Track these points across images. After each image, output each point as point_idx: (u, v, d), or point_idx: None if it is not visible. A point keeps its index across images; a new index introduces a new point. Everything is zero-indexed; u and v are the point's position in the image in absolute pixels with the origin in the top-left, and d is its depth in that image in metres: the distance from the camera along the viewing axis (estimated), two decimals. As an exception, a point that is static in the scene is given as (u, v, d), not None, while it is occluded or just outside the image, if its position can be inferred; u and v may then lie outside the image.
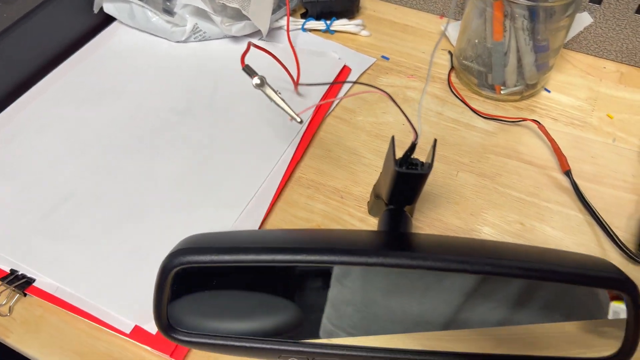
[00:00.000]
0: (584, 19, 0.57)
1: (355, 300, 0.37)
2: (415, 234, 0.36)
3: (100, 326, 0.39)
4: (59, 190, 0.46)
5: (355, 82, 0.55)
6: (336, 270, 0.36)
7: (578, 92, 0.57)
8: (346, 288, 0.37)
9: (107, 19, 0.61)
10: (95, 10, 0.60)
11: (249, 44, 0.41)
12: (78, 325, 0.40)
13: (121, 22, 0.61)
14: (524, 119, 0.53)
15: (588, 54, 0.60)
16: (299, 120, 0.37)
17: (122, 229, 0.44)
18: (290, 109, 0.37)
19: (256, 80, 0.36)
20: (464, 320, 0.37)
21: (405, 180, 0.34)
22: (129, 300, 0.40)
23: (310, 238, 0.35)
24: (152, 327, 0.38)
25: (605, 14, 0.56)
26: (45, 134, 0.51)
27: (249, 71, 0.37)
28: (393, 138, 0.34)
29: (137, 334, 0.38)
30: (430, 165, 0.32)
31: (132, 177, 0.47)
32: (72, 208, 0.45)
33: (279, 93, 0.37)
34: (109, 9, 0.60)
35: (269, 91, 0.36)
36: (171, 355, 0.38)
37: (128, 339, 0.38)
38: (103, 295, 0.40)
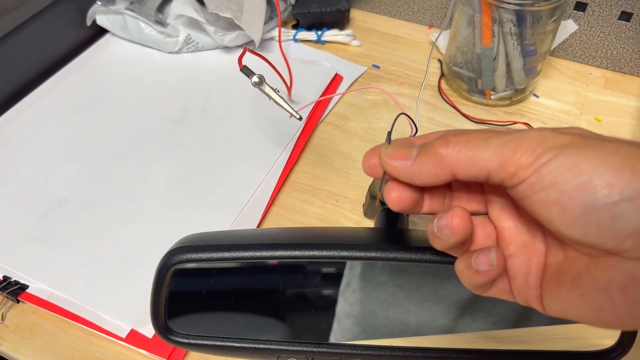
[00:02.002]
0: (569, 26, 0.59)
1: (355, 312, 0.37)
2: (413, 229, 0.37)
3: (95, 331, 0.38)
4: (53, 196, 0.46)
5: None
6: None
7: (566, 97, 0.58)
8: (346, 300, 0.37)
9: (100, 31, 0.62)
10: (88, 22, 0.60)
11: (245, 48, 0.41)
12: (72, 331, 0.39)
13: (114, 34, 0.62)
14: (515, 122, 0.54)
15: (574, 60, 0.62)
16: (298, 117, 0.38)
17: (117, 233, 0.43)
18: (290, 106, 0.37)
19: (255, 79, 0.37)
20: (461, 329, 0.37)
21: None
22: (125, 304, 0.39)
23: (308, 234, 0.35)
24: (148, 331, 0.38)
25: (589, 21, 0.58)
26: (39, 141, 0.50)
27: (247, 71, 0.37)
28: (389, 133, 0.35)
29: (133, 338, 0.38)
30: None
31: (126, 182, 0.47)
32: (66, 213, 0.45)
33: (277, 91, 0.37)
34: (102, 21, 0.60)
35: (267, 89, 0.37)
36: (168, 359, 0.37)
37: (124, 343, 0.38)
38: (98, 299, 0.39)
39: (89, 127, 0.52)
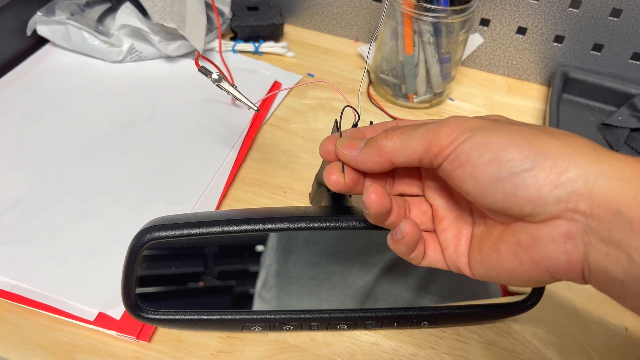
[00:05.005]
0: (476, 40, 0.67)
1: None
2: (356, 206, 0.42)
3: (62, 317, 0.40)
4: (6, 197, 0.47)
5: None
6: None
7: (476, 100, 0.66)
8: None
9: (41, 41, 0.63)
10: (29, 32, 0.61)
11: (198, 53, 0.45)
12: (38, 319, 0.40)
13: (54, 44, 0.63)
14: (435, 121, 0.61)
15: (482, 70, 0.71)
16: (255, 108, 0.42)
17: (76, 229, 0.45)
18: (247, 99, 0.41)
19: (215, 76, 0.40)
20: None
21: None
22: (91, 290, 0.41)
23: (268, 212, 0.39)
24: (116, 313, 0.40)
25: (492, 35, 0.67)
26: (-15, 146, 0.51)
27: (205, 71, 0.41)
28: (336, 121, 0.40)
29: (102, 320, 0.40)
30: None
31: (81, 182, 0.49)
32: (22, 212, 0.46)
33: (236, 87, 0.41)
34: (42, 31, 0.61)
35: (226, 85, 0.41)
36: (137, 337, 0.39)
37: (92, 326, 0.39)
38: (64, 287, 0.41)
39: (37, 133, 0.53)
